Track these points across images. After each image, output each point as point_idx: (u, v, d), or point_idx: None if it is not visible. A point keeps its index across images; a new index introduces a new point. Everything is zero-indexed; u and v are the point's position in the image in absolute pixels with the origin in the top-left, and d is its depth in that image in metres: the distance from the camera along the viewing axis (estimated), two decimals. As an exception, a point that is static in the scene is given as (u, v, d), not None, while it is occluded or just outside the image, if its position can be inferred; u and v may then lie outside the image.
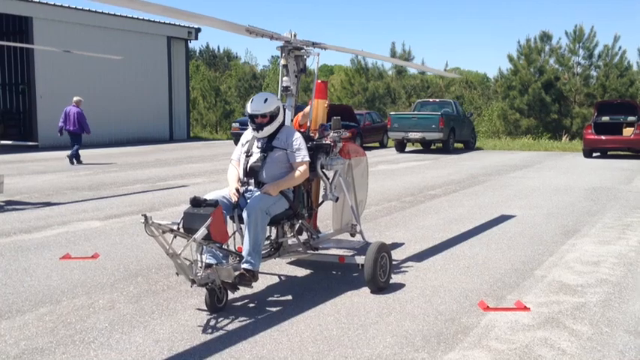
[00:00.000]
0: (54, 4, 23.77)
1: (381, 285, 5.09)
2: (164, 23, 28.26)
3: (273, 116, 4.90)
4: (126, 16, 26.49)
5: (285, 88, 5.33)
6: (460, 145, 22.90)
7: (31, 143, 16.25)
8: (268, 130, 4.92)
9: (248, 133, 5.12)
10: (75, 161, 16.25)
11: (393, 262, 5.57)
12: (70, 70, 23.36)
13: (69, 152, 16.38)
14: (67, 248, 6.56)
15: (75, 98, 16.68)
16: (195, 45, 55.85)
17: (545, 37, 31.49)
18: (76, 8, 24.41)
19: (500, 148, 24.23)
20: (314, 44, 5.30)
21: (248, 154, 5.00)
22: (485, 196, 10.77)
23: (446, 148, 21.32)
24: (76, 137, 16.36)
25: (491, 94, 36.88)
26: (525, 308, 4.70)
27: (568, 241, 7.13)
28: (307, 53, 5.35)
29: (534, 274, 5.71)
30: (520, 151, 22.64)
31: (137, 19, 26.99)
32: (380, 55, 10.93)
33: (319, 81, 5.66)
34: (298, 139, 5.02)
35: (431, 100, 25.86)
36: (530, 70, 30.88)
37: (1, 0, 22.03)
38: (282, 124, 5.07)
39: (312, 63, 5.47)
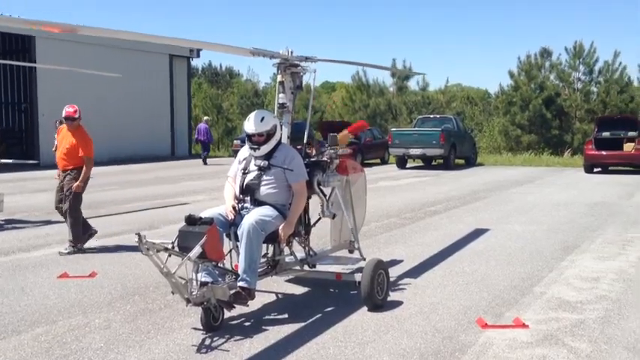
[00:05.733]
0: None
1: (379, 302, 5.06)
2: (166, 41, 28.43)
3: (270, 135, 4.92)
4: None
5: (282, 105, 5.37)
6: (461, 161, 22.88)
7: (31, 162, 16.34)
8: (265, 148, 4.94)
9: (245, 150, 5.13)
10: (207, 162, 23.01)
11: (391, 279, 5.54)
12: (72, 88, 23.44)
13: (202, 157, 23.42)
14: (64, 267, 6.55)
15: (205, 118, 25.77)
16: (197, 63, 56.10)
17: (546, 53, 31.67)
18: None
19: (501, 163, 24.22)
20: (307, 58, 5.35)
21: (245, 172, 5.01)
22: (486, 212, 10.75)
23: (447, 164, 21.30)
24: (205, 145, 23.65)
25: (492, 110, 36.95)
26: (524, 325, 4.66)
27: (568, 257, 7.10)
28: (304, 70, 5.39)
29: (533, 291, 5.68)
30: (521, 167, 22.62)
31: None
32: (368, 62, 11.07)
33: (364, 122, 5.81)
34: (296, 158, 5.03)
35: (432, 116, 25.90)
36: (531, 86, 30.97)
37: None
38: (279, 142, 5.09)
39: (310, 79, 5.52)
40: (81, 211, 7.60)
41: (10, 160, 10.65)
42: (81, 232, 7.50)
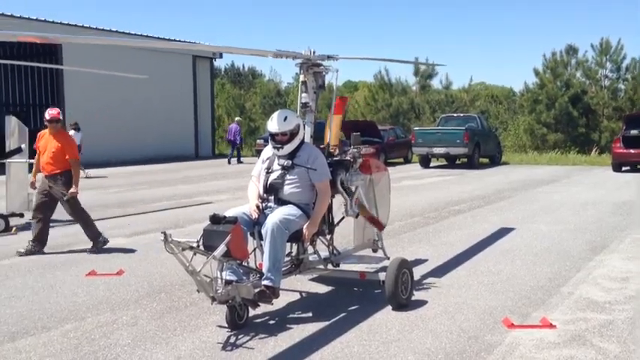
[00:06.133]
0: (82, 26, 24.37)
1: (403, 302, 5.04)
2: (190, 43, 28.72)
3: (293, 134, 4.93)
4: (152, 37, 26.99)
5: (304, 105, 5.38)
6: (485, 160, 22.67)
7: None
8: (289, 148, 4.95)
9: (268, 150, 5.15)
10: (231, 162, 23.49)
11: (416, 279, 5.52)
12: (98, 90, 23.84)
13: (229, 157, 23.99)
14: (93, 265, 6.65)
15: (236, 118, 26.15)
16: (220, 63, 56.46)
17: (571, 51, 31.21)
18: (103, 29, 24.98)
19: (526, 162, 23.94)
20: (328, 57, 5.35)
21: (269, 171, 5.03)
22: (511, 212, 10.63)
23: (471, 163, 21.12)
24: (234, 145, 24.10)
25: (517, 109, 36.54)
26: (551, 326, 4.61)
27: (596, 257, 6.99)
28: (326, 70, 5.39)
29: (561, 291, 5.60)
30: (547, 166, 22.33)
31: (162, 39, 27.47)
32: (389, 58, 11.03)
33: (338, 97, 5.69)
34: (319, 157, 5.04)
35: (455, 114, 25.70)
36: (557, 83, 30.56)
37: (32, 23, 22.65)
38: (302, 142, 5.10)
39: (333, 78, 5.51)
40: (86, 211, 7.67)
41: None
42: (96, 230, 7.59)
